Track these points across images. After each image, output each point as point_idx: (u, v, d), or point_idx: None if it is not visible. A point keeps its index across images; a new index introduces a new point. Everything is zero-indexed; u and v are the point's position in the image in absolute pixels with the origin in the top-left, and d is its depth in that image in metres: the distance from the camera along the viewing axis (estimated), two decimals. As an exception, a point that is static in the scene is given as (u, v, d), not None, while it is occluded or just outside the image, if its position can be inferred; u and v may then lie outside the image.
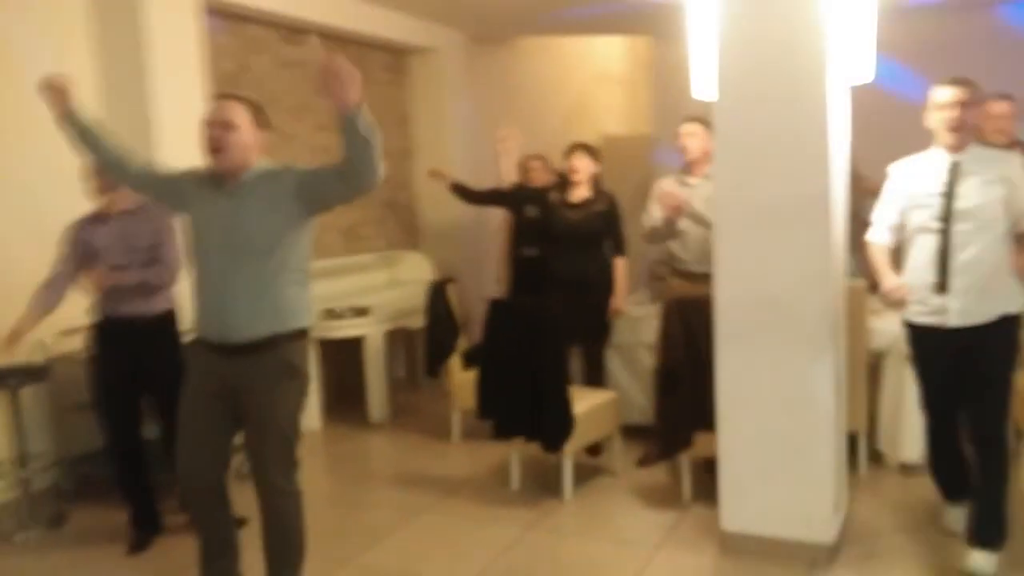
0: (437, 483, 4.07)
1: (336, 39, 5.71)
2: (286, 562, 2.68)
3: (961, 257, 2.76)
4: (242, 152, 2.52)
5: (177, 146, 4.19)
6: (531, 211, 4.78)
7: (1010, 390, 2.85)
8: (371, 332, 4.98)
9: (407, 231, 6.52)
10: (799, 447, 2.97)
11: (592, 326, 4.28)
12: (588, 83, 8.96)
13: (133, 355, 3.28)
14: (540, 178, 5.05)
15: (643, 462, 4.03)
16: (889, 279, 2.91)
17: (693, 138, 3.96)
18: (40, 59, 3.97)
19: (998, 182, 2.76)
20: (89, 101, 4.16)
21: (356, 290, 5.49)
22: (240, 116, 2.51)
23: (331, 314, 4.93)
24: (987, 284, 2.77)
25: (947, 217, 2.77)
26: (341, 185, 2.44)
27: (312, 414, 4.93)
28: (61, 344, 3.86)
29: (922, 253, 2.85)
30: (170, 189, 2.70)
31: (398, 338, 5.65)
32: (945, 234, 2.77)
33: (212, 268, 2.54)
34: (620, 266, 4.31)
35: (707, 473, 3.64)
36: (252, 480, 2.63)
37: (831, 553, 2.97)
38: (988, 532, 2.81)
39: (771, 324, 2.97)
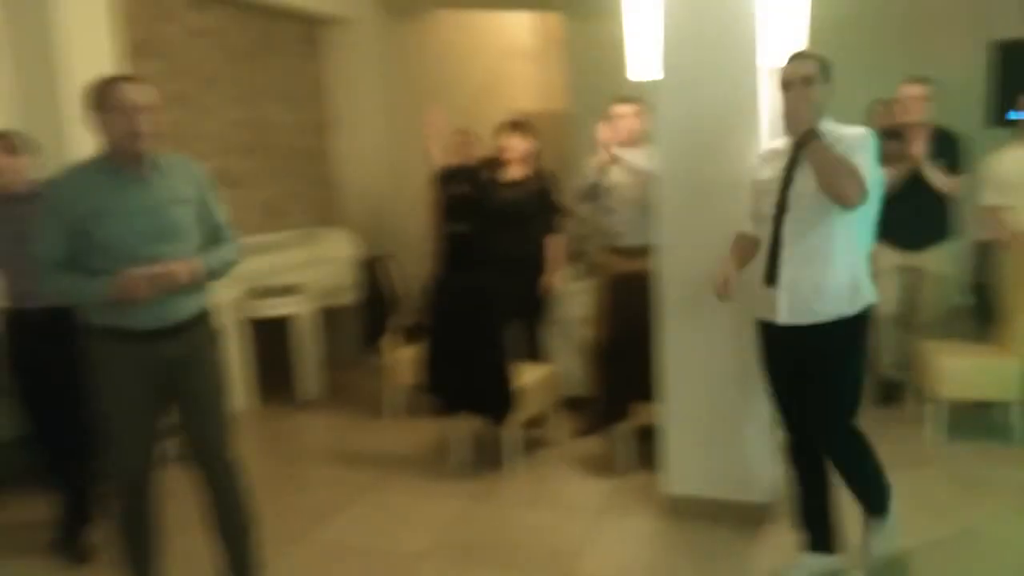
0: (377, 460, 4.08)
1: (246, 8, 5.52)
2: (245, 535, 2.70)
3: (791, 248, 2.54)
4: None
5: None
6: (458, 188, 4.79)
7: (841, 397, 2.59)
8: (301, 311, 4.90)
9: (327, 207, 6.40)
10: (738, 413, 3.16)
11: (528, 303, 4.37)
12: (500, 58, 8.98)
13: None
14: (465, 152, 5.05)
15: (581, 432, 4.18)
16: (720, 269, 2.73)
17: (624, 119, 4.08)
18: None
19: None
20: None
21: (278, 268, 5.36)
22: (156, 99, 2.45)
23: (259, 293, 4.82)
24: (820, 280, 2.52)
25: (781, 204, 2.56)
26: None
27: (241, 394, 4.82)
28: None
29: (763, 243, 2.66)
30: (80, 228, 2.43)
31: (325, 317, 5.57)
32: (778, 222, 2.56)
33: (138, 257, 2.40)
34: (555, 243, 4.40)
35: (642, 441, 3.81)
36: (196, 459, 2.61)
37: (767, 512, 3.18)
38: (872, 502, 2.68)
39: (710, 299, 3.12)
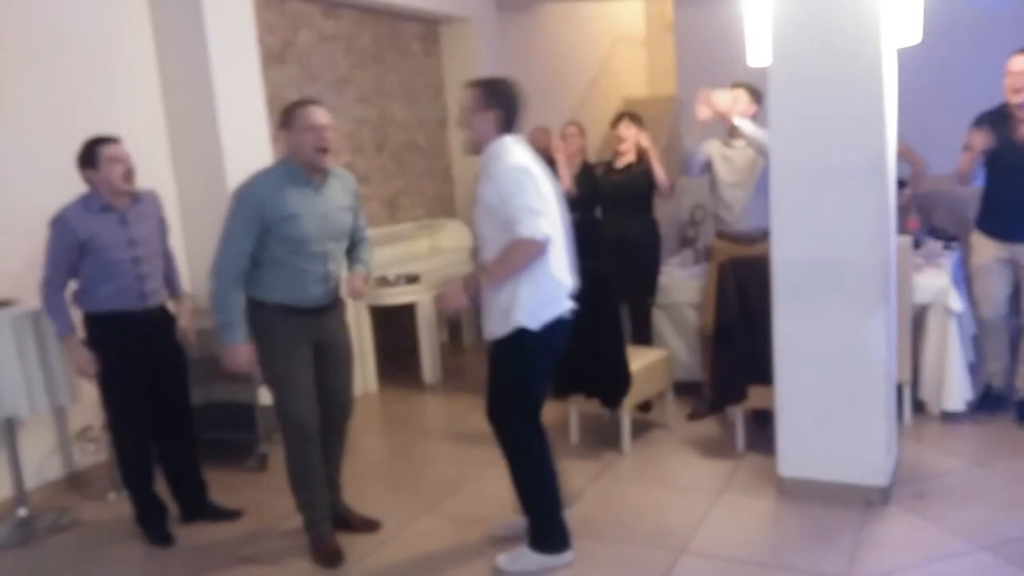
0: (495, 441, 4.26)
1: (371, 11, 5.82)
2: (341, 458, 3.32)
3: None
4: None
5: (237, 121, 4.36)
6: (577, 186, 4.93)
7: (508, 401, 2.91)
8: (422, 298, 5.16)
9: (445, 200, 6.67)
10: (853, 396, 3.16)
11: (639, 285, 4.48)
12: (611, 46, 9.03)
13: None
14: (575, 144, 5.16)
15: (693, 416, 4.25)
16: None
17: (738, 103, 4.09)
18: (103, 45, 4.11)
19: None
20: (152, 83, 4.34)
21: (399, 258, 5.66)
22: (331, 119, 2.99)
23: (384, 282, 5.11)
24: (491, 296, 2.78)
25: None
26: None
27: (368, 377, 5.14)
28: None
29: None
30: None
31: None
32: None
33: (314, 251, 2.94)
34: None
35: (757, 424, 3.84)
36: (326, 406, 3.10)
37: (884, 495, 3.17)
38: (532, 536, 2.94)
39: (827, 282, 3.14)
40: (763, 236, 3.81)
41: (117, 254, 3.13)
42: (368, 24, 5.87)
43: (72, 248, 3.08)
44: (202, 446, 3.64)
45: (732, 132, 4.05)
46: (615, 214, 4.59)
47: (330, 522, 3.14)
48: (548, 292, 2.80)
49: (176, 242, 4.01)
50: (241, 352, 2.89)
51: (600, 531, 3.19)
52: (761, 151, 3.81)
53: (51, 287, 3.12)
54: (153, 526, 3.36)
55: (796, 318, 3.21)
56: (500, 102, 2.79)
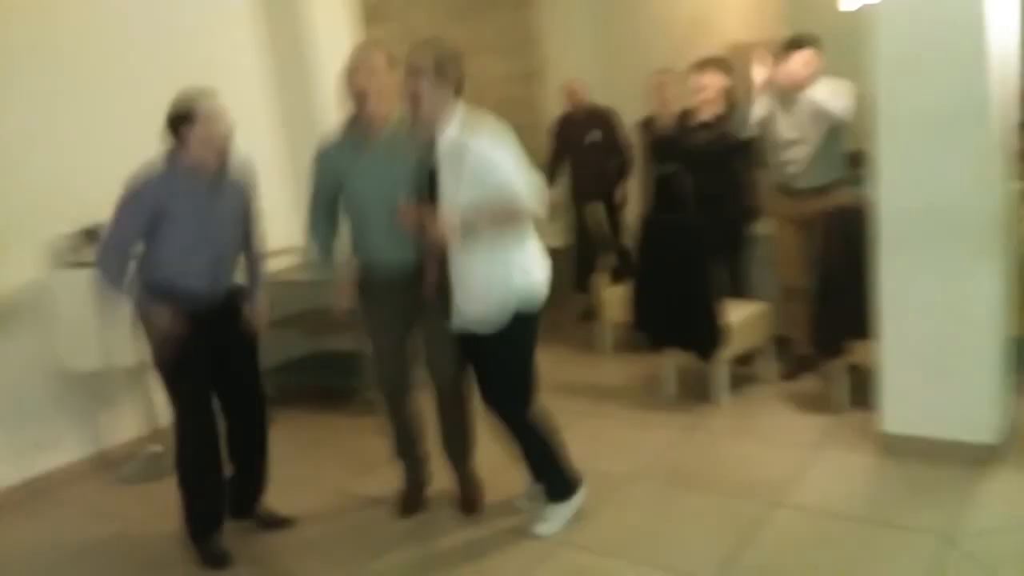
0: (592, 391, 4.34)
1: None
2: (464, 450, 3.22)
3: None
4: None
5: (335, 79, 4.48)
6: (662, 130, 4.82)
7: (509, 378, 2.87)
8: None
9: (537, 153, 6.65)
10: (963, 350, 3.03)
11: (731, 240, 4.33)
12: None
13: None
14: (671, 92, 5.01)
15: (787, 376, 4.14)
16: None
17: (797, 63, 3.83)
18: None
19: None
20: (252, 41, 4.50)
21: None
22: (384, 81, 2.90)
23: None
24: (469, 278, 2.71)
25: None
26: None
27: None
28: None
29: None
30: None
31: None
32: None
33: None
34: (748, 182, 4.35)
35: (856, 379, 3.74)
36: (432, 381, 3.08)
37: (995, 453, 3.05)
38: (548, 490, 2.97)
39: (934, 231, 3.00)
40: (824, 191, 3.86)
41: (193, 227, 2.78)
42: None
43: (143, 216, 2.71)
44: (311, 392, 3.84)
45: (787, 95, 3.84)
46: (700, 171, 4.29)
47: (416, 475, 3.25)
48: (539, 268, 2.80)
49: (283, 198, 4.20)
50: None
51: (692, 482, 3.21)
52: (825, 115, 3.71)
53: (112, 255, 2.76)
54: (205, 540, 2.94)
55: (901, 269, 3.09)
56: (453, 73, 2.62)
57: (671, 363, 4.10)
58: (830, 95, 3.73)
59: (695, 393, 4.05)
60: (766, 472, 3.23)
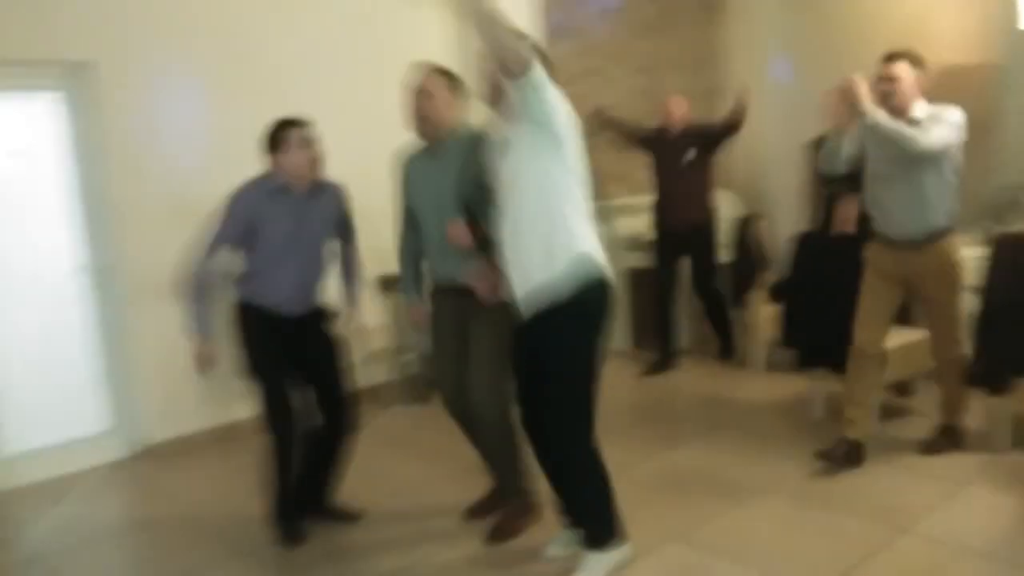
0: (737, 405, 4.33)
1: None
2: (496, 461, 3.12)
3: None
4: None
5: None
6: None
7: (573, 398, 2.53)
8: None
9: (718, 169, 6.65)
10: None
11: None
12: (924, 5, 8.21)
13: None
14: (839, 112, 4.85)
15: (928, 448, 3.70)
16: None
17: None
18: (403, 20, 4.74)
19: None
20: (447, 57, 4.92)
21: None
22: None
23: (637, 245, 5.30)
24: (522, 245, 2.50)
25: None
26: None
27: (622, 337, 5.40)
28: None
29: None
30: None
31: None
32: None
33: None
34: None
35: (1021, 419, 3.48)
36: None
37: None
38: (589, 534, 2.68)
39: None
40: (931, 239, 3.27)
41: (278, 242, 2.95)
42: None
43: (238, 225, 2.90)
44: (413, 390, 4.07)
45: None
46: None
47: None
48: (593, 243, 2.53)
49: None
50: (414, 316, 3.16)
51: (824, 501, 3.16)
52: (905, 144, 3.08)
53: (198, 264, 2.92)
54: (281, 520, 3.11)
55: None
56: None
57: (820, 386, 4.01)
58: (928, 120, 3.17)
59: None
60: (902, 500, 3.11)
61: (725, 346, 5.19)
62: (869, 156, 3.35)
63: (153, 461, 4.04)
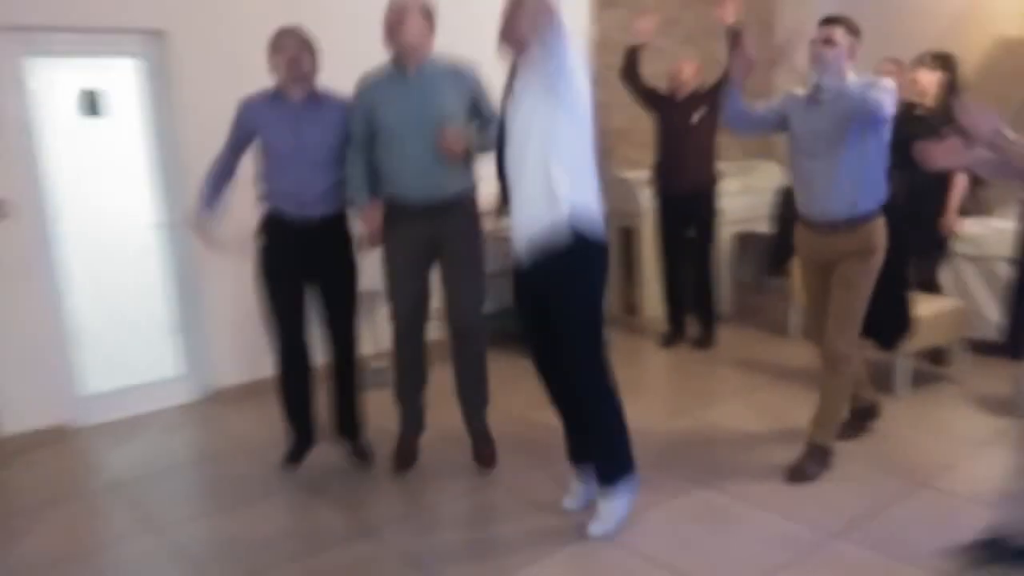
0: (772, 369, 4.47)
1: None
2: (477, 397, 3.34)
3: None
4: None
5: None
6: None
7: (582, 336, 2.63)
8: (719, 233, 5.37)
9: (764, 140, 6.71)
10: None
11: (924, 241, 4.19)
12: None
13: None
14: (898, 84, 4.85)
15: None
16: None
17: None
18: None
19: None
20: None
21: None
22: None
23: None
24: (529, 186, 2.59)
25: None
26: None
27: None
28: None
29: None
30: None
31: (748, 242, 5.98)
32: None
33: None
34: (957, 183, 4.13)
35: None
36: (448, 322, 3.19)
37: None
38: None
39: None
40: (853, 223, 3.04)
41: (279, 150, 3.11)
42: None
43: (240, 129, 3.16)
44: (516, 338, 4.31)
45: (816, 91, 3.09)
46: (906, 164, 4.16)
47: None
48: (592, 193, 2.64)
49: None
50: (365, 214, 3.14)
51: (846, 455, 3.30)
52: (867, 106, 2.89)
53: (214, 164, 3.21)
54: (289, 442, 3.41)
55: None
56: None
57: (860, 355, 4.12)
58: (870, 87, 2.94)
59: (877, 383, 4.04)
60: (924, 456, 3.26)
61: (704, 333, 5.01)
62: (794, 130, 3.14)
63: (222, 404, 4.37)
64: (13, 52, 3.79)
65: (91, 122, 4.16)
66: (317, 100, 3.15)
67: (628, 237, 5.51)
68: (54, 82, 4.00)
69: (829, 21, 3.08)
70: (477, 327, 3.20)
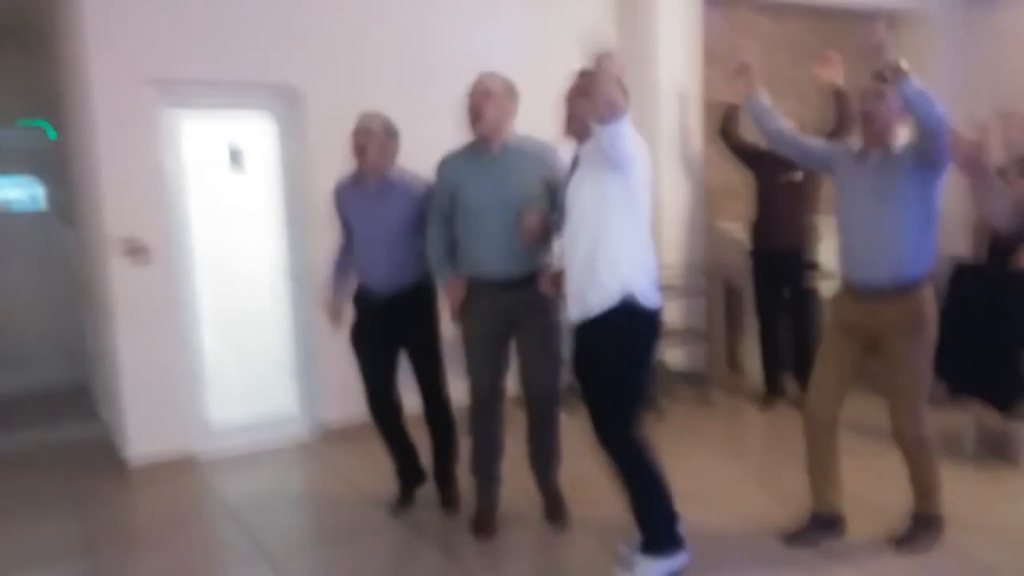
0: (881, 434, 4.28)
1: (820, 12, 5.98)
2: (548, 467, 3.39)
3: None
4: None
5: (676, 116, 5.14)
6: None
7: (607, 401, 2.70)
8: (822, 286, 5.22)
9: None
10: None
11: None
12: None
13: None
14: (1007, 135, 4.68)
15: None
16: None
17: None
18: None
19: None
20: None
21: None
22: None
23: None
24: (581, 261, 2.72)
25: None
26: None
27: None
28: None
29: None
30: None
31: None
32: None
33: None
34: None
35: None
36: (524, 392, 3.24)
37: None
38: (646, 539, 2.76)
39: None
40: (901, 290, 2.83)
41: (357, 230, 3.37)
42: (811, 25, 6.06)
43: (338, 212, 3.44)
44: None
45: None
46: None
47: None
48: (648, 266, 2.74)
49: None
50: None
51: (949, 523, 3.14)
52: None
53: (338, 251, 3.52)
54: (400, 482, 3.60)
55: None
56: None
57: (971, 417, 3.95)
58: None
59: (995, 454, 3.86)
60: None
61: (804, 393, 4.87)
62: (842, 183, 2.95)
63: (331, 444, 4.55)
64: (158, 103, 4.13)
65: (233, 174, 4.48)
66: (389, 185, 3.33)
67: (732, 292, 5.45)
68: (196, 134, 4.33)
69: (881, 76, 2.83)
70: (553, 396, 3.28)
